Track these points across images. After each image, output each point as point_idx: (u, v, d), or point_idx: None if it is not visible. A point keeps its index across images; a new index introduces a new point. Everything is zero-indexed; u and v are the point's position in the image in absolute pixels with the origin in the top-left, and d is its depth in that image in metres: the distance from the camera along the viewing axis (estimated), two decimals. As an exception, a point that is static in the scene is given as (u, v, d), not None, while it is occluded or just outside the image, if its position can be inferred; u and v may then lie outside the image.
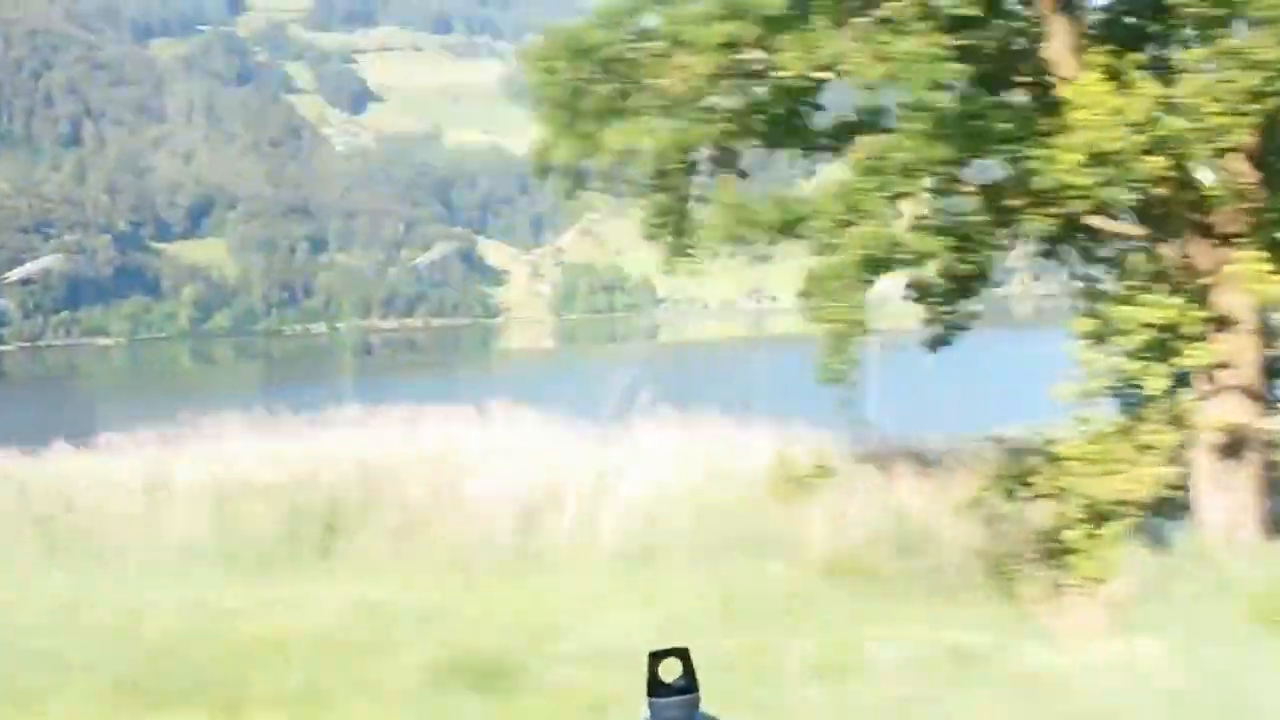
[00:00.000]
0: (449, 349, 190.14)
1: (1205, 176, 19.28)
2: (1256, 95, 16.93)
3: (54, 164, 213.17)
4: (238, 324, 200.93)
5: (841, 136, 21.17)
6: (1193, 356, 18.08)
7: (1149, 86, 17.18)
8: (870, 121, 20.80)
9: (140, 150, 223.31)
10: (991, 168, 21.04)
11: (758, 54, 19.38)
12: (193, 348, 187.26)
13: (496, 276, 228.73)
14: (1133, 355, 18.14)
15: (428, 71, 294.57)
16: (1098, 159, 17.24)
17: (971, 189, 21.11)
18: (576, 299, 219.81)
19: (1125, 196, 18.23)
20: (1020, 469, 19.07)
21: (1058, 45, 18.95)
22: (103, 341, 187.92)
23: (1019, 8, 20.64)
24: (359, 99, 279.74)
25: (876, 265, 19.56)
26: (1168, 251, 19.33)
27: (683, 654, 3.81)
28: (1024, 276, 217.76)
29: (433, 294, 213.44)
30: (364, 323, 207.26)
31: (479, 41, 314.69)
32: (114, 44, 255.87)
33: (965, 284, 21.63)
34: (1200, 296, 18.45)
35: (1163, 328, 18.00)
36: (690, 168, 21.02)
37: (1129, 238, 20.16)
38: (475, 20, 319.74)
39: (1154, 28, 20.44)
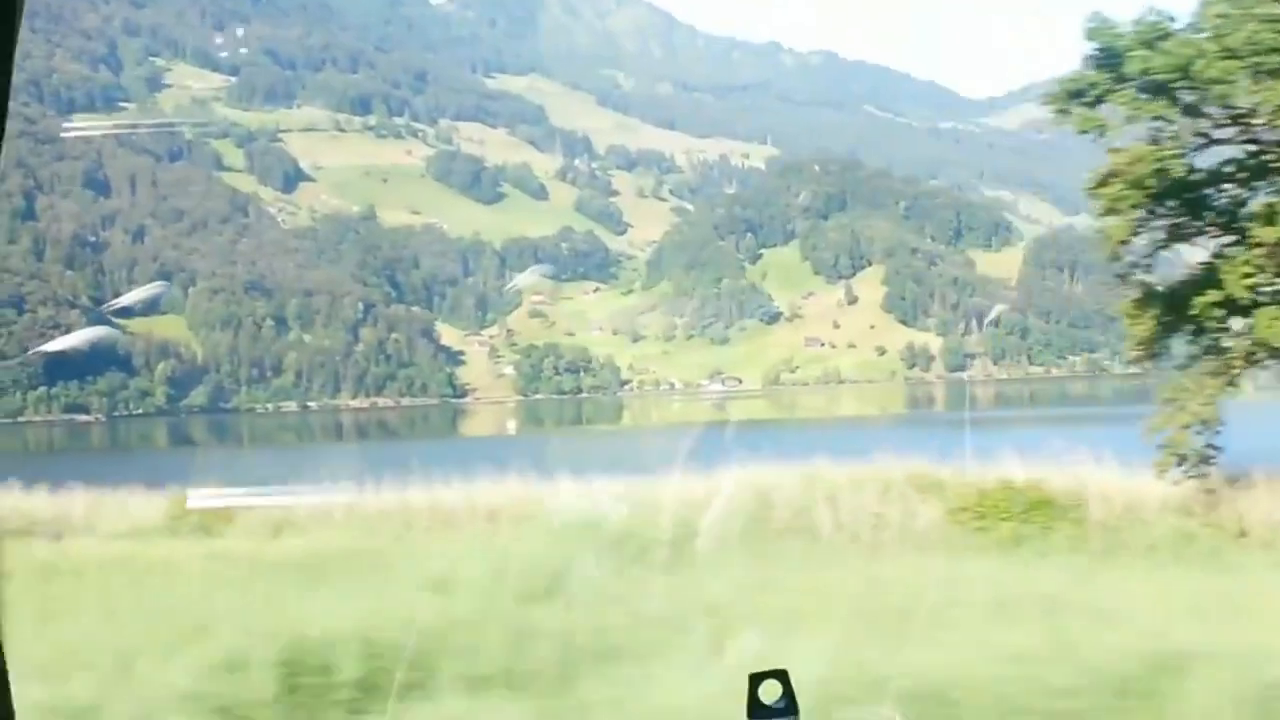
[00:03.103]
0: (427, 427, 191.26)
1: None
2: None
3: (11, 238, 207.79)
4: (211, 401, 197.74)
5: None
6: None
7: None
8: None
9: (94, 225, 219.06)
10: None
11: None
12: (173, 425, 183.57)
13: (453, 356, 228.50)
14: None
15: (352, 152, 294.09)
16: None
17: None
18: (541, 380, 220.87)
19: None
20: None
21: None
22: (82, 418, 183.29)
23: None
24: (290, 178, 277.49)
25: None
26: None
27: (782, 676, 3.80)
28: (984, 361, 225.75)
29: (401, 374, 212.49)
30: (335, 401, 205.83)
31: (399, 123, 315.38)
32: (42, 118, 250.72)
33: None
34: None
35: None
36: None
37: None
38: (393, 101, 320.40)
39: None
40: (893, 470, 26.13)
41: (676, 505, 24.20)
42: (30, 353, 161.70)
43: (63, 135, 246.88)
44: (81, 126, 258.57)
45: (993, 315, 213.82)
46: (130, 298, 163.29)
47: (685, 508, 24.03)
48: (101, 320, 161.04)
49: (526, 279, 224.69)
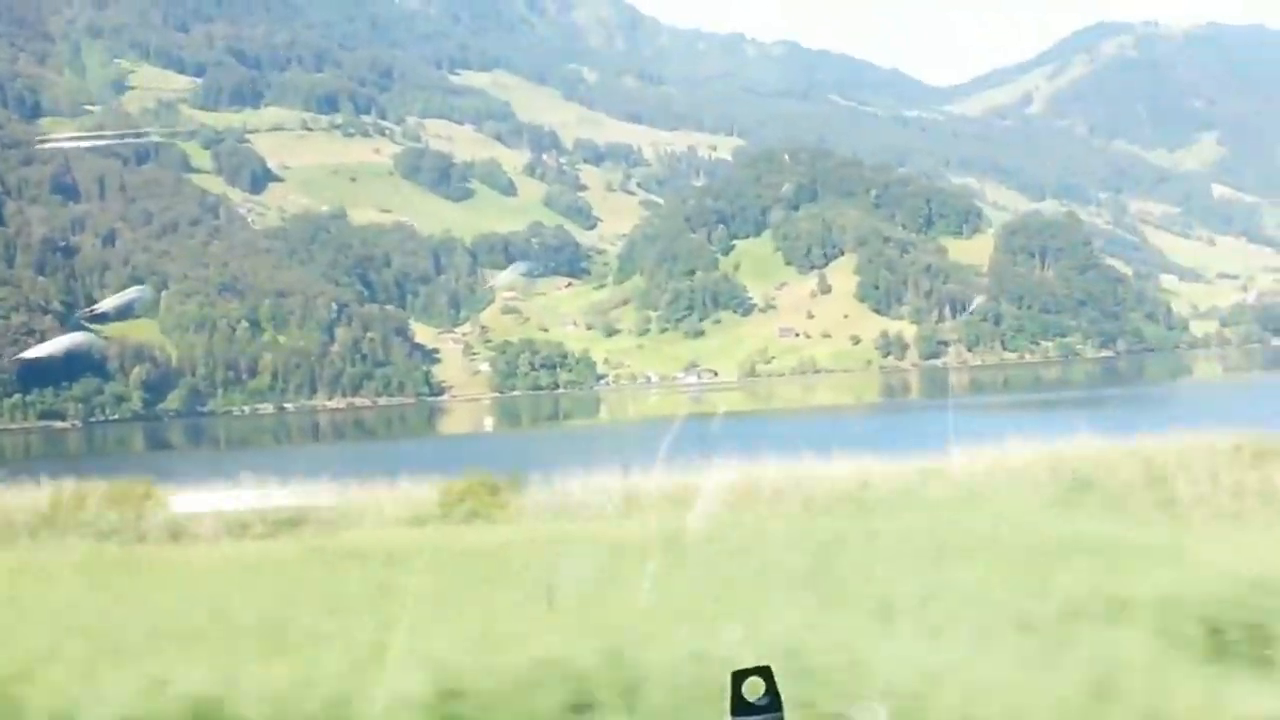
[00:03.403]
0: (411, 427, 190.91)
1: None
2: None
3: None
4: (187, 405, 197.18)
5: None
6: None
7: None
8: None
9: (64, 230, 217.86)
10: None
11: None
12: (151, 429, 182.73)
13: (428, 354, 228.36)
14: None
15: (320, 151, 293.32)
16: None
17: None
18: (517, 376, 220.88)
19: None
20: None
21: None
22: (58, 425, 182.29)
23: None
24: (258, 178, 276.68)
25: None
26: None
27: (766, 673, 3.76)
28: (958, 348, 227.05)
29: (377, 373, 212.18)
30: (311, 402, 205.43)
31: (366, 120, 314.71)
32: (8, 123, 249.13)
33: None
34: None
35: None
36: None
37: None
38: (359, 99, 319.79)
39: None
40: (1216, 440, 25.65)
41: (978, 480, 23.61)
42: (4, 360, 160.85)
43: (37, 146, 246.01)
44: (55, 137, 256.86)
45: (974, 306, 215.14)
46: (109, 303, 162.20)
47: (997, 479, 23.45)
48: (76, 326, 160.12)
49: (506, 277, 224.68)
